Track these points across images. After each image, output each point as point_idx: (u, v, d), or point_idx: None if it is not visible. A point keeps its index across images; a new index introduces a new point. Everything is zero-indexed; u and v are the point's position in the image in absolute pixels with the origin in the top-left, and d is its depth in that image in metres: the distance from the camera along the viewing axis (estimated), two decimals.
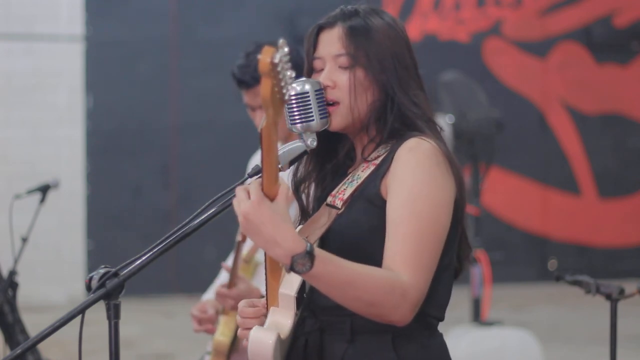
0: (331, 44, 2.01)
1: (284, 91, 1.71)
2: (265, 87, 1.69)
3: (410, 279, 1.82)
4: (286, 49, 1.70)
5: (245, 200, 1.74)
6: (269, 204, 1.73)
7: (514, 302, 9.31)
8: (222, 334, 3.14)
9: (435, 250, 1.89)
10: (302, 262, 1.72)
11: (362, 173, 1.99)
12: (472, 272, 6.39)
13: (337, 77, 1.99)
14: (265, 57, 1.67)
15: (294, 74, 1.74)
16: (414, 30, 10.21)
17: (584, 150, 10.78)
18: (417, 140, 1.94)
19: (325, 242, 1.97)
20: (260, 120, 3.19)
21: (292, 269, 1.73)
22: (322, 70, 2.02)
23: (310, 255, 1.72)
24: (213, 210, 1.91)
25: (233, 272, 3.02)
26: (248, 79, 3.17)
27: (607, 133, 10.82)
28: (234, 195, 1.83)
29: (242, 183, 1.96)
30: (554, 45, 10.67)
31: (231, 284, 3.03)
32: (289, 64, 1.71)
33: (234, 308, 2.97)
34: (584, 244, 10.81)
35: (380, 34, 2.00)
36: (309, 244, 1.74)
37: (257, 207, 1.72)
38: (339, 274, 1.77)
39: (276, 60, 1.67)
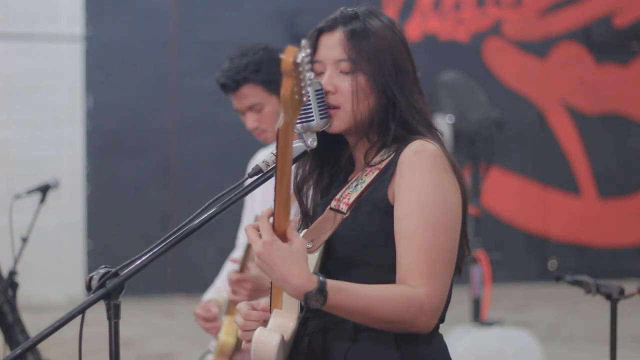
0: (332, 48, 2.00)
1: (303, 92, 1.72)
2: (286, 87, 1.70)
3: (426, 290, 1.85)
4: (308, 50, 1.71)
5: (257, 240, 1.80)
6: (279, 245, 1.78)
7: (514, 302, 9.32)
8: (227, 334, 3.14)
9: (449, 256, 1.91)
10: (315, 298, 1.77)
11: (366, 177, 1.98)
12: (472, 272, 6.38)
13: (339, 82, 1.99)
14: (288, 57, 1.67)
15: (313, 75, 1.75)
16: (414, 30, 10.21)
17: (584, 150, 10.78)
18: (422, 143, 1.94)
19: (331, 246, 1.97)
20: (251, 123, 3.21)
21: (306, 304, 1.78)
22: (321, 73, 2.01)
23: (322, 291, 1.77)
24: (213, 210, 1.91)
25: (245, 259, 3.02)
26: (230, 82, 3.17)
27: (607, 133, 10.83)
28: (234, 195, 1.83)
29: (242, 183, 1.96)
30: (554, 45, 10.68)
31: (243, 268, 3.02)
32: (310, 65, 1.72)
33: (251, 292, 2.96)
34: (584, 244, 10.81)
35: (380, 37, 2.00)
36: (320, 280, 1.77)
37: (269, 248, 1.78)
38: (355, 302, 1.81)
39: (299, 60, 1.68)
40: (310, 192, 2.10)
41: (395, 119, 1.98)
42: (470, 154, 6.76)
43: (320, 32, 2.03)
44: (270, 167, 1.93)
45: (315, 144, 1.96)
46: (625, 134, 10.90)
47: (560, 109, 10.74)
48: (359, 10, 2.03)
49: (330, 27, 2.02)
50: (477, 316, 6.43)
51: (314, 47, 2.02)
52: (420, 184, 1.90)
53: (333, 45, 2.00)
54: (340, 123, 1.99)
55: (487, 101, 7.02)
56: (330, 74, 1.99)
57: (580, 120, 10.75)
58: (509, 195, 10.49)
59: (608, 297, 2.91)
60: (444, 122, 6.58)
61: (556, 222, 10.74)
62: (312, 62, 2.01)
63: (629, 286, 2.96)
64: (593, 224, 10.80)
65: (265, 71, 3.14)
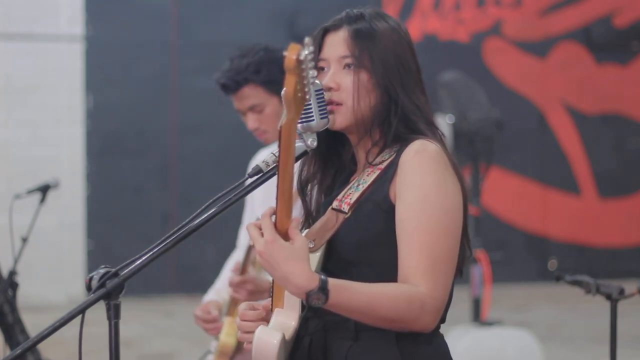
0: (336, 46, 2.02)
1: (306, 89, 1.72)
2: (289, 84, 1.70)
3: (427, 289, 1.85)
4: (311, 47, 1.70)
5: (259, 239, 1.80)
6: (281, 244, 1.78)
7: (514, 302, 9.32)
8: (228, 335, 3.14)
9: (451, 255, 1.91)
10: (316, 296, 1.77)
11: (367, 177, 1.99)
12: (472, 272, 6.39)
13: (341, 79, 2.00)
14: (291, 54, 1.67)
15: (316, 73, 1.75)
16: (414, 30, 10.21)
17: (584, 150, 10.78)
18: (423, 142, 1.95)
19: (333, 246, 1.97)
20: (252, 123, 3.21)
21: (308, 303, 1.78)
22: (326, 71, 2.02)
23: (324, 290, 1.77)
24: (213, 210, 1.91)
25: (245, 261, 3.02)
26: (231, 83, 3.17)
27: (607, 133, 10.83)
28: (234, 195, 1.83)
29: (242, 183, 1.96)
30: (554, 45, 10.68)
31: (244, 271, 3.03)
32: (313, 63, 1.72)
33: (252, 294, 2.97)
34: (584, 244, 10.81)
35: (385, 38, 2.01)
36: (322, 279, 1.77)
37: (270, 247, 1.78)
38: (356, 300, 1.81)
39: (302, 58, 1.67)
40: (314, 192, 2.10)
41: (397, 116, 1.99)
42: (470, 154, 6.76)
43: (325, 31, 2.05)
44: (271, 167, 1.93)
45: (315, 144, 1.96)
46: (625, 134, 10.90)
47: (560, 109, 10.74)
48: (366, 12, 2.04)
49: (335, 26, 2.04)
50: (477, 316, 6.43)
51: (319, 46, 2.03)
52: (421, 183, 1.90)
53: (337, 43, 2.02)
54: (342, 119, 1.99)
55: (487, 101, 7.02)
56: (333, 72, 2.01)
57: (580, 120, 10.75)
58: (509, 195, 10.49)
59: (608, 297, 2.91)
60: (444, 122, 6.58)
61: (556, 222, 10.74)
62: (317, 60, 2.03)
63: (629, 286, 2.96)
64: (593, 224, 10.80)
65: (266, 72, 3.14)
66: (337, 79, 2.00)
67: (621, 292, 2.89)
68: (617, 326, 2.92)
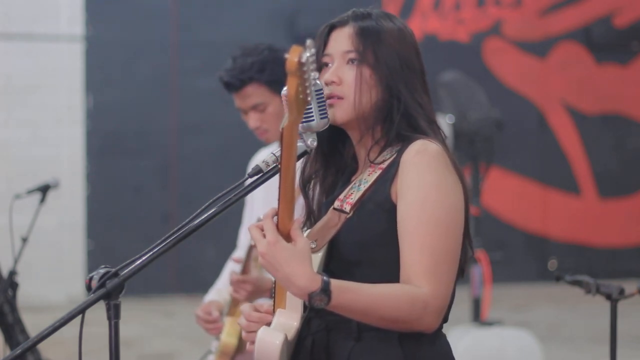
0: (341, 41, 2.03)
1: (308, 91, 1.72)
2: (291, 86, 1.70)
3: (430, 289, 1.85)
4: (313, 50, 1.71)
5: (261, 240, 1.80)
6: (283, 245, 1.79)
7: (514, 302, 9.32)
8: (229, 335, 3.14)
9: (452, 255, 1.91)
10: (319, 298, 1.77)
11: (368, 177, 1.99)
12: (472, 272, 6.39)
13: (344, 74, 2.00)
14: (292, 57, 1.68)
15: (317, 75, 1.75)
16: (414, 30, 10.03)
17: (584, 150, 10.78)
18: (424, 142, 1.95)
19: (334, 246, 1.97)
20: (253, 122, 3.21)
21: (310, 304, 1.79)
22: (330, 67, 2.03)
23: (326, 291, 1.77)
24: (213, 210, 1.90)
25: (247, 260, 3.02)
26: (235, 81, 3.17)
27: (607, 133, 10.83)
28: (234, 195, 1.83)
29: (242, 183, 1.96)
30: (554, 45, 10.68)
31: (245, 270, 3.04)
32: (315, 65, 1.73)
33: (251, 294, 2.97)
34: (584, 244, 10.81)
35: (390, 37, 2.02)
36: (324, 280, 1.78)
37: (273, 248, 1.79)
38: (359, 301, 1.82)
39: (303, 60, 1.68)
40: (316, 191, 2.10)
41: (399, 112, 1.99)
42: (470, 154, 6.76)
43: (332, 27, 2.06)
44: (271, 167, 1.93)
45: (315, 143, 1.96)
46: (625, 134, 10.90)
47: (560, 109, 10.74)
48: (373, 11, 2.06)
49: (342, 23, 2.05)
50: (477, 316, 6.43)
51: (325, 42, 2.04)
52: (422, 182, 1.90)
53: (343, 38, 2.03)
54: (342, 113, 1.99)
55: (487, 101, 7.02)
56: (336, 66, 2.01)
57: (580, 120, 10.75)
58: (509, 195, 10.49)
59: (608, 297, 2.91)
60: (444, 122, 6.58)
61: (556, 222, 10.74)
62: (321, 55, 2.03)
63: (629, 286, 2.96)
64: (593, 224, 10.80)
65: (269, 71, 3.15)
66: (340, 73, 2.00)
67: (621, 292, 2.89)
68: (617, 326, 2.92)
